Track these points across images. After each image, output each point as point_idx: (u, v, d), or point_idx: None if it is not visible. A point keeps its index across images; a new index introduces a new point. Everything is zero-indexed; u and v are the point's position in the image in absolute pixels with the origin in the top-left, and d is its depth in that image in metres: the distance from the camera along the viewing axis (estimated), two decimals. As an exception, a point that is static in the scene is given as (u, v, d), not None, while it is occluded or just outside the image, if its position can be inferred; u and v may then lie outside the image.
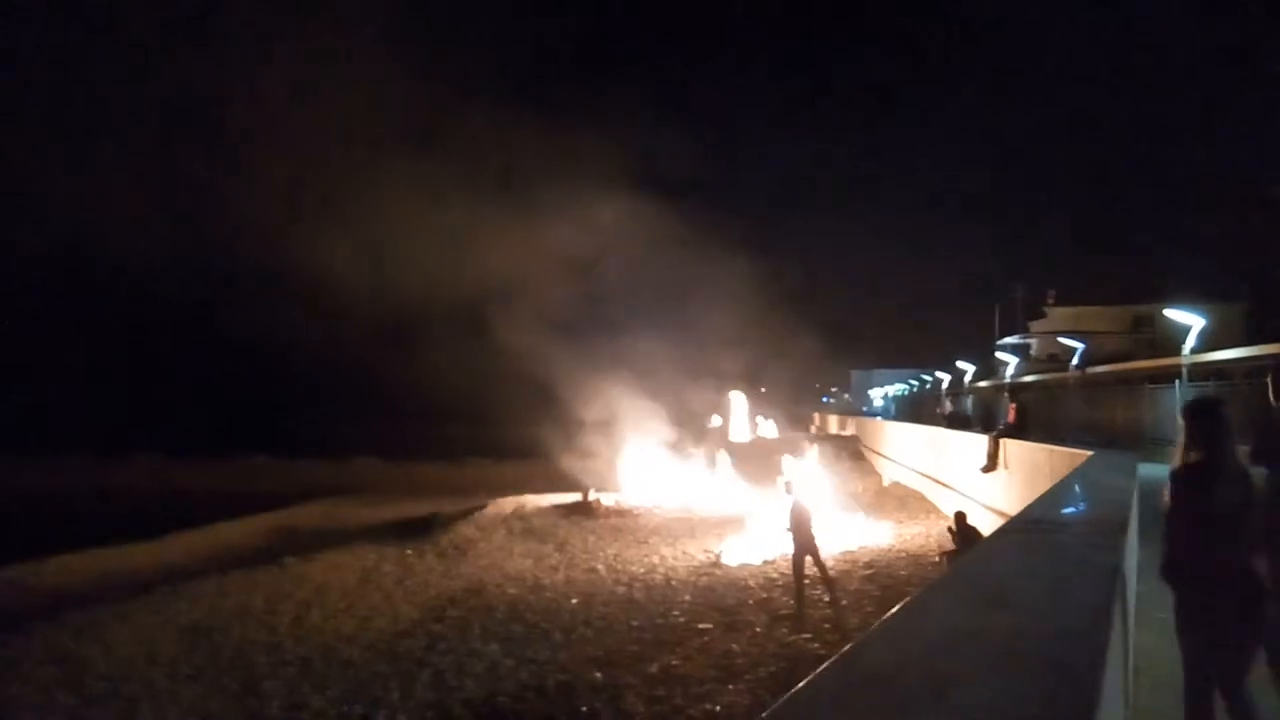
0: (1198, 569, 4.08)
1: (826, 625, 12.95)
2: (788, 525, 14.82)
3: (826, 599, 14.34)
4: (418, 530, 24.90)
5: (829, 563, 17.46)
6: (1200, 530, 4.05)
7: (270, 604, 16.61)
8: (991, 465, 16.86)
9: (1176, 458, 4.24)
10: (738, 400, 51.73)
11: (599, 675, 11.41)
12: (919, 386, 59.01)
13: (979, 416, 28.98)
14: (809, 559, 14.64)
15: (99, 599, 17.34)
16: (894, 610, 3.69)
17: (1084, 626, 3.24)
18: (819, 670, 2.82)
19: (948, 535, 15.51)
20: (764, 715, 2.36)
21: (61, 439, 51.88)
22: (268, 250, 39.29)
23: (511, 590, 16.95)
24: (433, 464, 47.33)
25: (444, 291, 37.02)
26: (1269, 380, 4.97)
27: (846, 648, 3.04)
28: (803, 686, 2.47)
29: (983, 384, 43.95)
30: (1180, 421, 4.27)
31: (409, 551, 21.46)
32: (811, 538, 14.69)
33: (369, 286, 39.53)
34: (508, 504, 29.46)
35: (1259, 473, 4.19)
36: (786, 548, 16.64)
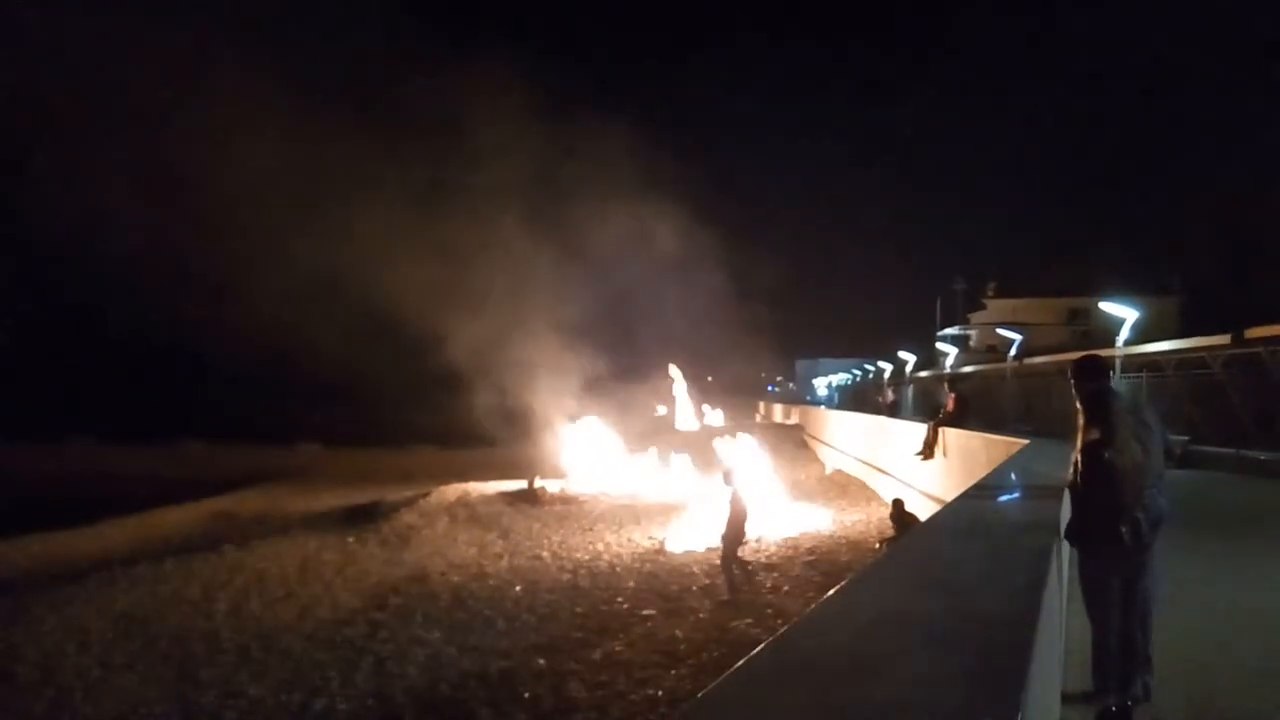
0: (1099, 525, 5.10)
1: (769, 610, 13.09)
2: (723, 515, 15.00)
3: (768, 585, 14.49)
4: (360, 517, 24.62)
5: (771, 549, 17.68)
6: (1101, 492, 5.05)
7: (207, 592, 16.32)
8: (929, 453, 17.17)
9: (1079, 438, 5.20)
10: (684, 389, 51.96)
11: (542, 662, 11.41)
12: (861, 376, 59.80)
13: (919, 406, 29.47)
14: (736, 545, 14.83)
15: (29, 586, 16.93)
16: (827, 595, 3.74)
17: (1015, 609, 3.32)
18: (752, 654, 2.85)
19: (888, 522, 15.78)
20: (698, 696, 2.38)
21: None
22: (201, 233, 38.38)
23: (455, 578, 16.85)
24: (376, 450, 46.83)
25: (384, 276, 36.51)
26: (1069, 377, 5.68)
27: (780, 631, 3.08)
28: (735, 670, 2.50)
29: (923, 374, 44.68)
30: (1080, 406, 5.27)
31: (351, 539, 21.20)
32: (743, 530, 14.87)
33: (306, 268, 38.83)
34: (452, 491, 29.24)
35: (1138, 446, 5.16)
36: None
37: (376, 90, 38.13)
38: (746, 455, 24.87)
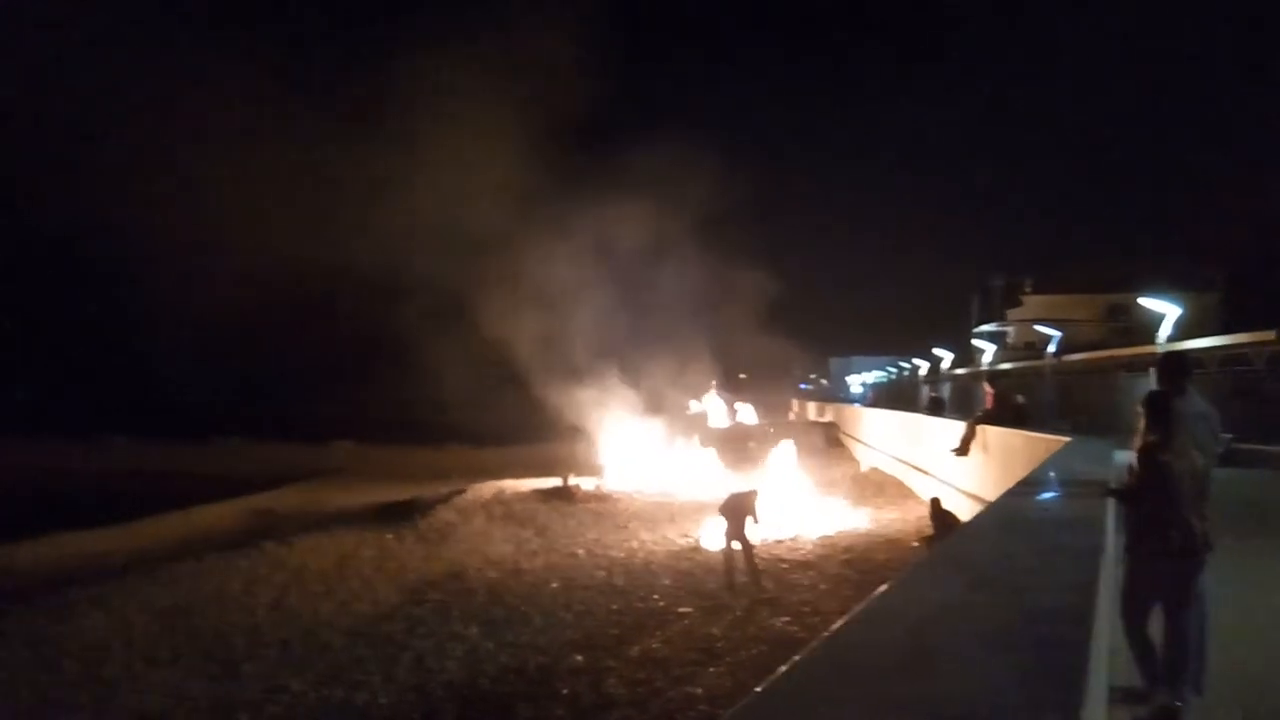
0: (1153, 528, 5.06)
1: (806, 609, 13.04)
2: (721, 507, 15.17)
3: (804, 583, 14.46)
4: (397, 514, 24.82)
5: (806, 548, 17.63)
6: (1155, 497, 5.02)
7: (248, 587, 16.53)
8: (964, 450, 17.00)
9: (1137, 440, 5.20)
10: (717, 386, 51.85)
11: (579, 658, 11.44)
12: (897, 374, 59.39)
13: (956, 403, 29.22)
14: (737, 540, 14.91)
15: (74, 582, 17.20)
16: (879, 590, 3.72)
17: (1069, 605, 3.29)
18: (808, 649, 2.84)
19: (925, 520, 15.67)
20: (757, 690, 2.38)
21: (31, 423, 51.31)
22: (239, 229, 38.82)
23: (491, 574, 16.95)
24: (411, 448, 47.15)
25: (420, 274, 36.77)
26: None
27: (834, 627, 3.08)
28: (791, 666, 2.50)
29: (960, 371, 44.29)
30: (1139, 409, 5.28)
31: (388, 535, 21.39)
32: (743, 514, 14.96)
33: (341, 268, 39.19)
34: (487, 489, 29.41)
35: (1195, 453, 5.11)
36: (764, 533, 16.80)
37: (425, 86, 38.19)
38: (780, 451, 24.78)
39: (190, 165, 41.39)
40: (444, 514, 24.42)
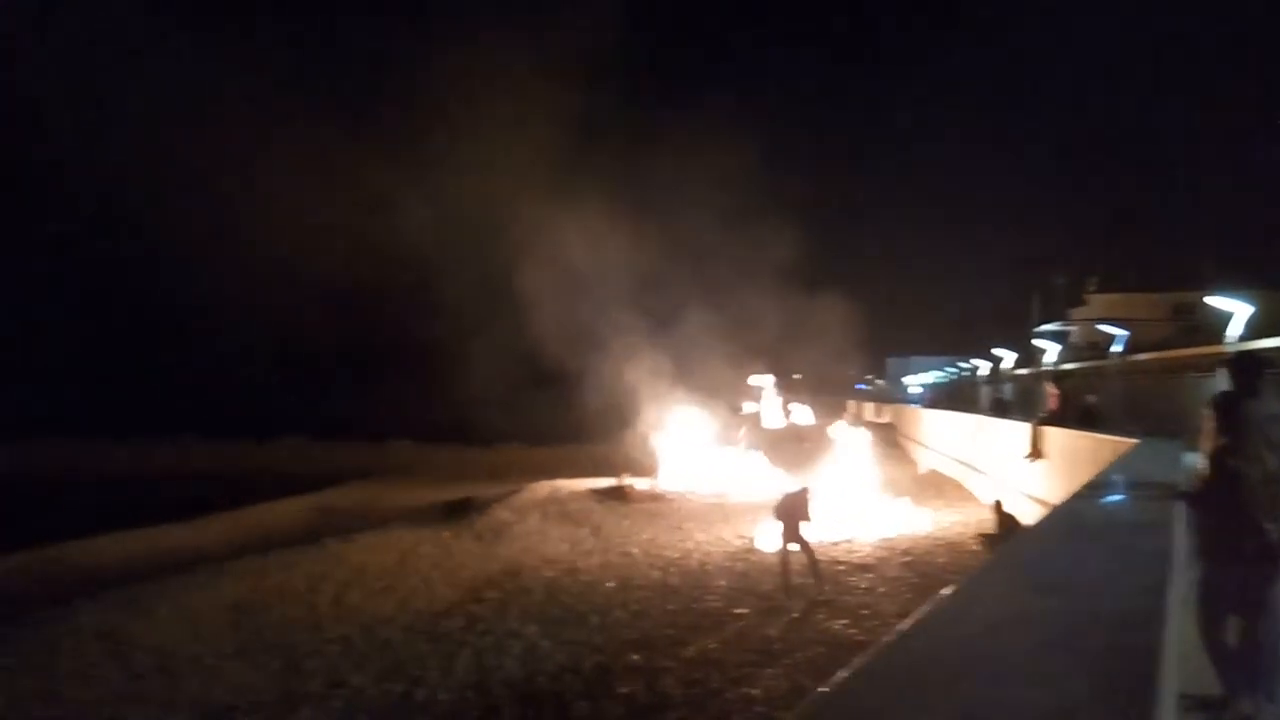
0: (1224, 534, 4.89)
1: (864, 611, 12.92)
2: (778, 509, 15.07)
3: (862, 585, 14.32)
4: (454, 513, 25.12)
5: (865, 550, 17.46)
6: (1227, 503, 4.85)
7: (310, 584, 16.82)
8: (1036, 453, 16.70)
9: (1206, 443, 5.03)
10: (771, 387, 51.56)
11: (636, 658, 11.47)
12: (957, 374, 58.54)
13: (1020, 404, 28.69)
14: (794, 542, 14.81)
15: (143, 577, 17.65)
16: (944, 593, 3.68)
17: (1139, 610, 3.21)
18: (873, 650, 2.81)
19: (986, 523, 15.43)
20: (822, 690, 2.37)
21: (99, 425, 52.87)
22: (297, 231, 39.56)
23: (548, 573, 17.06)
24: (466, 448, 47.69)
25: (471, 273, 37.14)
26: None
27: (900, 629, 3.04)
28: (858, 666, 2.48)
29: (1022, 371, 43.49)
30: (1208, 411, 5.08)
31: (446, 534, 21.65)
32: (796, 514, 14.88)
33: (397, 268, 39.74)
34: (542, 488, 29.62)
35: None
36: (821, 534, 16.69)
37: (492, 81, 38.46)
38: (840, 453, 24.57)
39: (249, 168, 42.28)
40: (500, 513, 24.65)
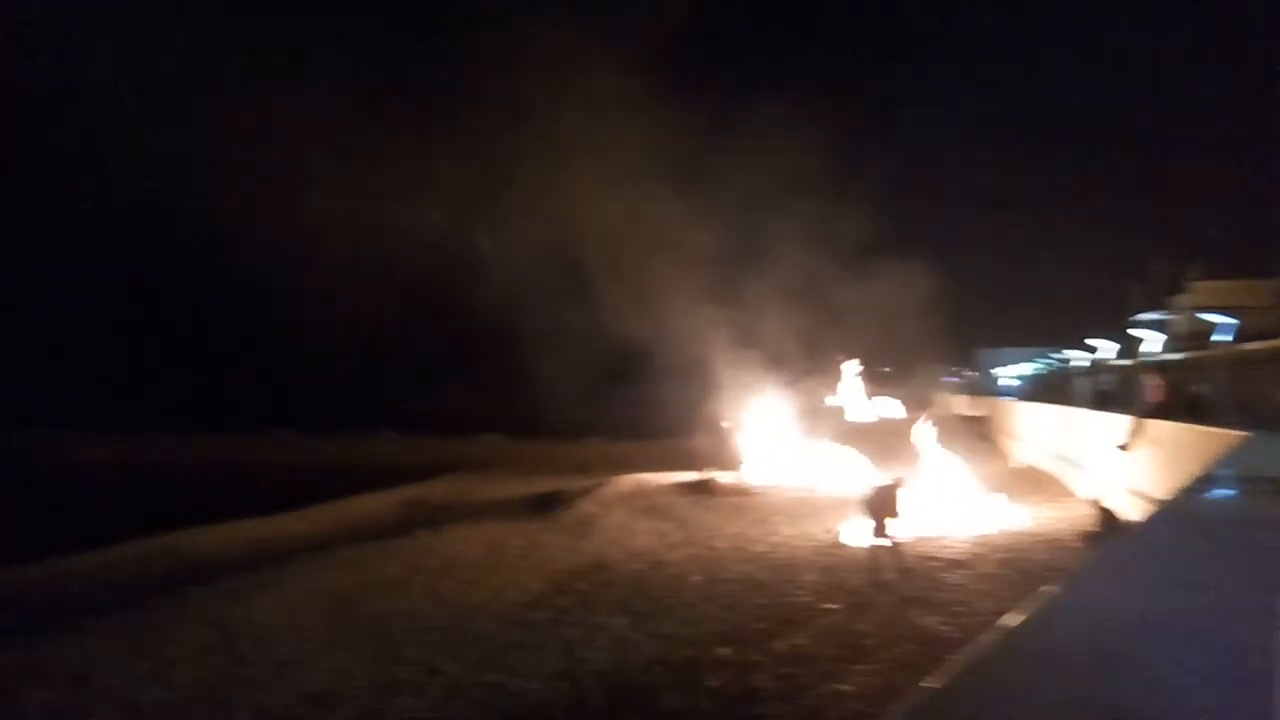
0: None
1: (958, 608, 12.66)
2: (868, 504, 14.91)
3: (954, 581, 14.03)
4: (541, 506, 25.39)
5: (959, 546, 17.10)
6: None
7: (405, 574, 17.18)
8: (1131, 444, 16.13)
9: None
10: (859, 379, 50.91)
11: (726, 651, 11.44)
12: (1052, 365, 56.96)
13: (1121, 395, 27.76)
14: (883, 537, 14.75)
15: (245, 567, 18.24)
16: (1051, 590, 3.57)
17: (1257, 607, 3.08)
18: (978, 645, 2.75)
19: (1087, 518, 14.97)
20: (924, 684, 2.32)
21: (197, 418, 54.93)
22: (387, 230, 40.42)
23: (634, 566, 17.13)
24: (551, 441, 48.15)
25: (556, 268, 37.49)
26: None
27: (1006, 624, 2.97)
28: (969, 658, 2.42)
29: (1123, 362, 42.04)
30: None
31: (534, 526, 21.91)
32: (883, 509, 14.74)
33: (482, 266, 40.33)
34: (627, 482, 29.75)
35: None
36: (913, 530, 16.43)
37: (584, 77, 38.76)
38: (931, 447, 24.11)
39: (338, 176, 43.40)
40: (586, 506, 24.84)
